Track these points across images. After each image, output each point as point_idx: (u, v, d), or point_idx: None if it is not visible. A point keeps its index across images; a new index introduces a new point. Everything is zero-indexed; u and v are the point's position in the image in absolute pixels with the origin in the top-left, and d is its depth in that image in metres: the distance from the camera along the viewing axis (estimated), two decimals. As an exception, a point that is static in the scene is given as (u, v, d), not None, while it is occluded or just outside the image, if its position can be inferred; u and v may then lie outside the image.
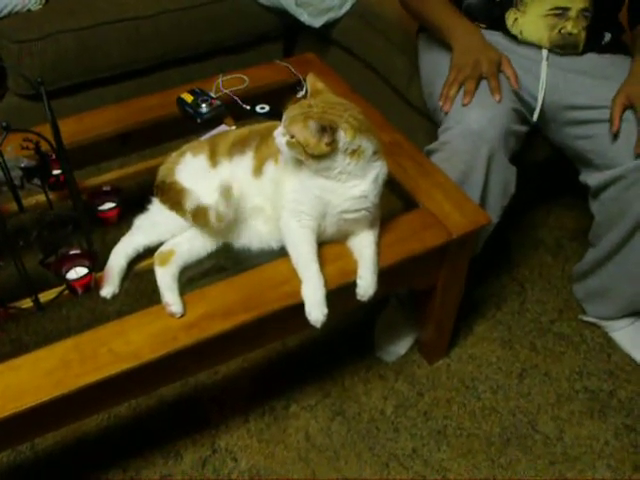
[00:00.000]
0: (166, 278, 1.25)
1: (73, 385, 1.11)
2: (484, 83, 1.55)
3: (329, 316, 1.22)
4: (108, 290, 1.27)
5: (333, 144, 1.16)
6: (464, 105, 1.51)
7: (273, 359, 1.77)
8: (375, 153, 1.23)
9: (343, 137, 1.17)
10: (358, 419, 1.64)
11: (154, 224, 1.35)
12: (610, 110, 1.51)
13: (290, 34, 2.51)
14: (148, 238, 1.32)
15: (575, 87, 1.62)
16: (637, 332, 1.81)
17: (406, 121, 1.94)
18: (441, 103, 1.56)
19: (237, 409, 1.65)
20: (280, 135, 1.21)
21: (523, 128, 1.62)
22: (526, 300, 1.93)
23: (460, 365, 1.77)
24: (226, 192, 1.24)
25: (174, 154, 1.41)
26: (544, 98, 1.64)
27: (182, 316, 1.21)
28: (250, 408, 1.65)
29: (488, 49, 1.59)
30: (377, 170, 1.24)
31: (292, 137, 1.18)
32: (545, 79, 1.63)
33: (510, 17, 1.65)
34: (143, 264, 1.32)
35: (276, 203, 1.30)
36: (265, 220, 1.32)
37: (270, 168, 1.31)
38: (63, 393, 1.11)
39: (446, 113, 1.54)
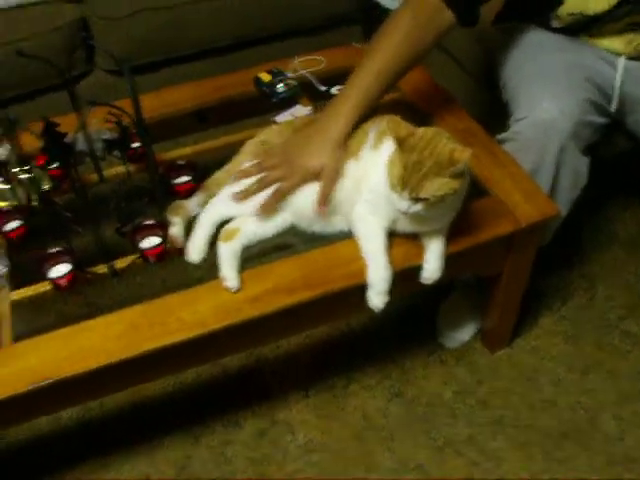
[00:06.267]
0: (227, 254, 1.28)
1: (140, 349, 1.17)
2: (552, 82, 1.52)
3: (392, 298, 1.24)
4: (195, 256, 1.32)
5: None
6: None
7: (336, 337, 1.80)
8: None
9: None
10: (416, 402, 1.65)
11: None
12: None
13: (370, 17, 2.50)
14: (230, 211, 1.35)
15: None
16: None
17: (482, 109, 1.92)
18: None
19: (297, 384, 1.69)
20: (408, 207, 1.17)
21: (600, 119, 1.58)
22: (595, 295, 1.89)
23: (522, 356, 1.75)
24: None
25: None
26: (622, 89, 1.59)
27: (237, 291, 1.24)
28: (310, 384, 1.69)
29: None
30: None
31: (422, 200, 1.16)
32: (623, 69, 1.57)
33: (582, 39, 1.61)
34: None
35: (352, 198, 1.31)
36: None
37: (351, 166, 1.31)
38: (130, 356, 1.16)
39: None
